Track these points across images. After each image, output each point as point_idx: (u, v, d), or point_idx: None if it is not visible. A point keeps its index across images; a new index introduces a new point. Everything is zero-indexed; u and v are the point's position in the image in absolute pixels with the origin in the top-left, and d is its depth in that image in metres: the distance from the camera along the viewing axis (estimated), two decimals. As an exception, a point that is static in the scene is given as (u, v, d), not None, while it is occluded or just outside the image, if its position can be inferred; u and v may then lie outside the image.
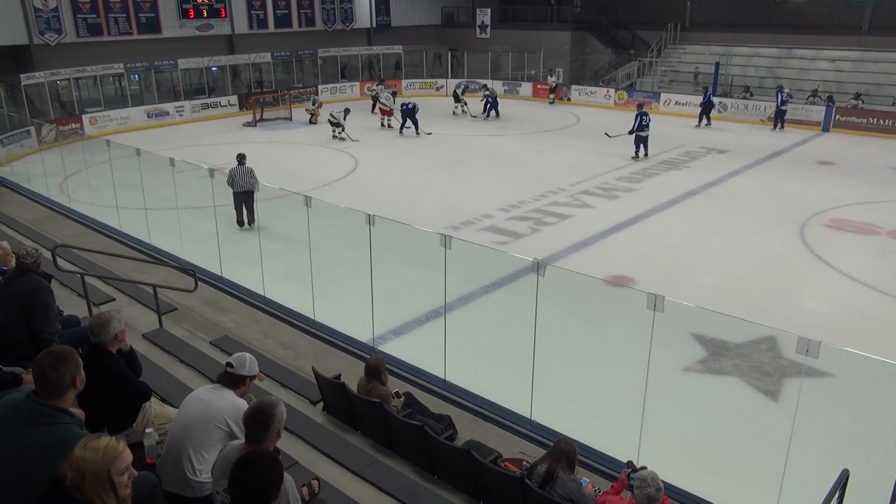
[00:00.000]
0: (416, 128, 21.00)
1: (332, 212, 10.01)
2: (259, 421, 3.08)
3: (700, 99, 22.52)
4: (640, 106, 18.48)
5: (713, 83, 24.36)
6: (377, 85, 25.78)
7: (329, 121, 20.54)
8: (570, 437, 4.70)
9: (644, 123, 17.56)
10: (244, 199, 11.88)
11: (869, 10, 25.05)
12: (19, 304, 4.78)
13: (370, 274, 7.62)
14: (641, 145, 17.78)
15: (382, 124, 22.19)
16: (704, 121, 22.19)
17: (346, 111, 20.76)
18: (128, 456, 2.61)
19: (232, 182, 11.73)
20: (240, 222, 12.00)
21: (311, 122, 23.21)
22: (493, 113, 24.05)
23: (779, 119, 21.60)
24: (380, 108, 22.71)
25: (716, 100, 23.68)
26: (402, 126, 21.13)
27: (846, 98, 22.31)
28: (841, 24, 25.41)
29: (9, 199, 13.59)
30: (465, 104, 24.50)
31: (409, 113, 21.04)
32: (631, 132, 17.69)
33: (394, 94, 23.00)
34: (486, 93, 24.52)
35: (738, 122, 22.77)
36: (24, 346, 4.64)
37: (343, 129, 20.37)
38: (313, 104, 23.60)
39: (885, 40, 24.06)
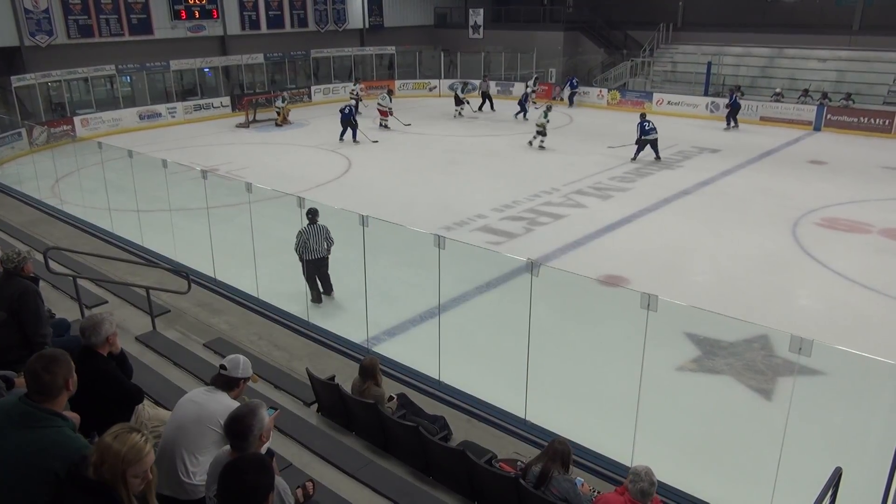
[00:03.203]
0: (354, 134, 19.97)
1: (325, 213, 10.00)
2: (237, 431, 3.06)
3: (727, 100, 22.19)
4: (642, 115, 18.00)
5: (705, 83, 24.44)
6: (355, 84, 25.69)
7: (539, 127, 19.09)
8: (564, 437, 4.71)
9: (648, 129, 17.23)
10: (317, 267, 9.15)
11: (860, 10, 25.19)
12: (7, 308, 4.76)
13: (364, 275, 7.61)
14: (650, 148, 17.34)
15: (380, 125, 22.15)
16: (732, 123, 21.75)
17: (548, 109, 19.68)
18: (149, 460, 2.64)
19: (303, 248, 8.98)
20: (316, 298, 9.19)
21: (276, 125, 22.98)
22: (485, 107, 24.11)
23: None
24: (377, 109, 22.43)
25: (709, 99, 23.81)
26: (343, 133, 20.10)
27: (837, 97, 22.44)
28: (832, 24, 25.54)
29: (0, 202, 13.51)
30: (468, 102, 24.34)
31: (346, 119, 19.92)
32: (637, 141, 17.43)
33: (390, 94, 22.90)
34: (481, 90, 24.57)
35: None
36: (15, 351, 4.62)
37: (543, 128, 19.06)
38: (283, 102, 23.53)
39: (876, 40, 24.22)
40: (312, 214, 9.03)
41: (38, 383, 2.96)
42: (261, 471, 2.70)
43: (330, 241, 9.14)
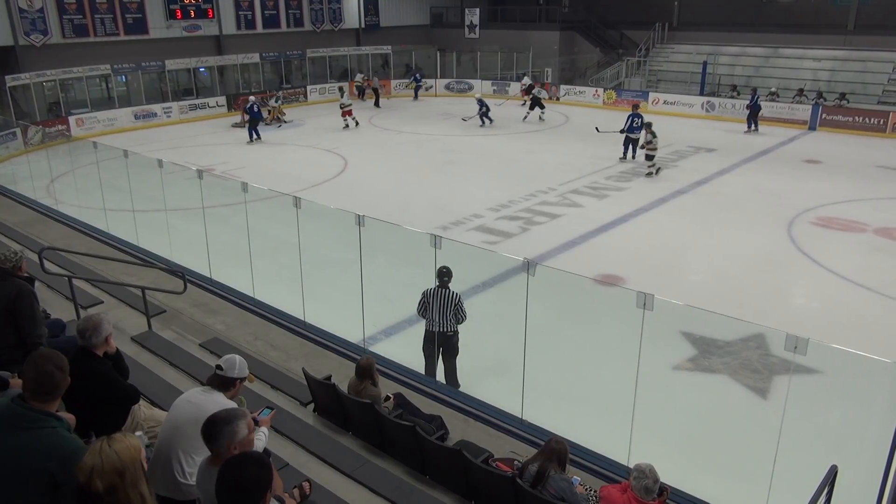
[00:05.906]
0: (256, 135, 20.15)
1: (321, 213, 9.98)
2: (206, 433, 3.08)
3: (747, 102, 21.73)
4: (634, 107, 17.94)
5: (701, 82, 24.45)
6: (360, 74, 25.61)
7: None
8: (561, 437, 4.71)
9: (635, 126, 17.03)
10: (441, 343, 7.05)
11: (854, 10, 25.29)
12: (3, 309, 4.74)
13: (360, 275, 7.60)
14: (630, 147, 17.39)
15: (348, 125, 22.16)
16: (753, 125, 21.28)
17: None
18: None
19: (424, 311, 7.12)
20: (431, 371, 7.12)
21: (266, 123, 22.90)
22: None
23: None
24: (342, 110, 22.27)
25: (704, 99, 23.83)
26: (250, 129, 20.24)
27: (832, 97, 22.52)
28: (827, 24, 25.64)
29: (-6, 202, 13.45)
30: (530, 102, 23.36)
31: (257, 118, 19.95)
32: (622, 132, 17.31)
33: (342, 91, 22.93)
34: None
35: (726, 120, 22.89)
36: (10, 351, 4.60)
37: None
38: (276, 102, 23.46)
39: (871, 39, 24.32)
40: (444, 276, 6.96)
41: (33, 384, 2.95)
42: (260, 467, 2.71)
43: (460, 315, 6.99)
